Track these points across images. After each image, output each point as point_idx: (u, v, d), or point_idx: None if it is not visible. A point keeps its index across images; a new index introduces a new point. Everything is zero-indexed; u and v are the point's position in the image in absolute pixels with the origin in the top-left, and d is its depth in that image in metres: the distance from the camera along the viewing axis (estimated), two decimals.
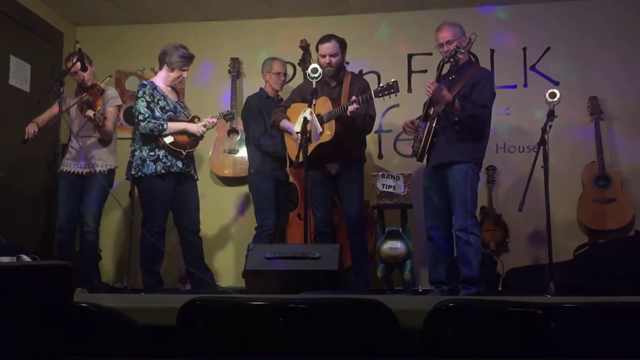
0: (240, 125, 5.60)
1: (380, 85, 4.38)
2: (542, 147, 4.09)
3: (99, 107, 4.67)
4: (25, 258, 3.99)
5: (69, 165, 4.76)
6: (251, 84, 5.67)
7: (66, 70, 4.64)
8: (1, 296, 1.45)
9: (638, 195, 5.32)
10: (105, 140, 4.82)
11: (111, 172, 4.83)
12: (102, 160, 4.77)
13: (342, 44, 4.65)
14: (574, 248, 5.00)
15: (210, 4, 5.85)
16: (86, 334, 1.80)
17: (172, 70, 4.67)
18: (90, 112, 4.56)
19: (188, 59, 4.72)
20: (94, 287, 4.92)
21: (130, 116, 5.36)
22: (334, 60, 4.57)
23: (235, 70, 5.94)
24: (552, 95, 4.19)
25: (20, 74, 5.48)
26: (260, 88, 5.30)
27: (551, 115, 4.16)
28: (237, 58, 5.98)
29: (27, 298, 1.52)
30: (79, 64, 4.57)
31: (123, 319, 1.82)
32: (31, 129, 4.70)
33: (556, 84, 5.53)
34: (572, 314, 1.63)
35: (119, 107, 4.93)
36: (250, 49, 5.97)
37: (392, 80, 4.32)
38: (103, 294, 4.78)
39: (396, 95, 4.38)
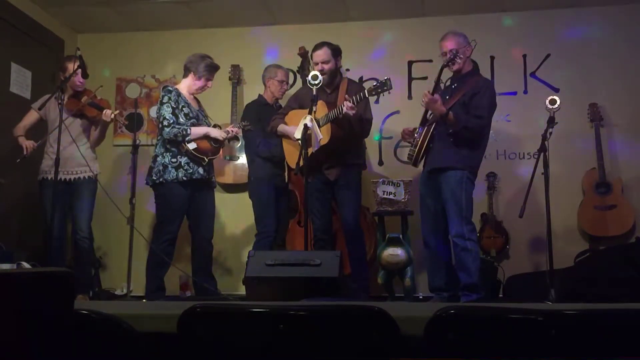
0: (240, 132, 5.60)
1: (374, 84, 4.36)
2: (542, 154, 4.09)
3: (110, 109, 4.75)
4: (26, 265, 3.99)
5: (53, 172, 4.53)
6: (251, 91, 5.68)
7: (68, 77, 4.64)
8: (2, 303, 1.45)
9: (639, 201, 5.32)
10: (96, 144, 4.90)
11: (96, 177, 4.83)
12: (92, 165, 4.77)
13: (335, 51, 4.63)
14: (575, 255, 4.99)
15: (211, 11, 5.86)
16: (87, 341, 1.80)
17: (199, 79, 4.70)
18: (110, 113, 4.66)
19: (214, 68, 4.77)
20: (95, 295, 4.91)
21: (131, 122, 5.36)
22: (326, 67, 4.56)
23: (236, 77, 5.95)
24: (553, 102, 4.19)
25: (21, 81, 5.49)
26: (259, 95, 5.30)
27: (551, 121, 4.16)
28: (238, 65, 6.00)
29: (28, 305, 1.52)
30: (79, 71, 4.58)
31: (123, 326, 1.82)
32: (30, 144, 4.66)
33: (556, 90, 5.54)
34: (572, 321, 1.63)
35: None
36: (251, 56, 5.99)
37: (385, 77, 4.30)
38: (104, 301, 4.78)
39: (389, 93, 4.35)
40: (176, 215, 4.61)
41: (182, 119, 4.57)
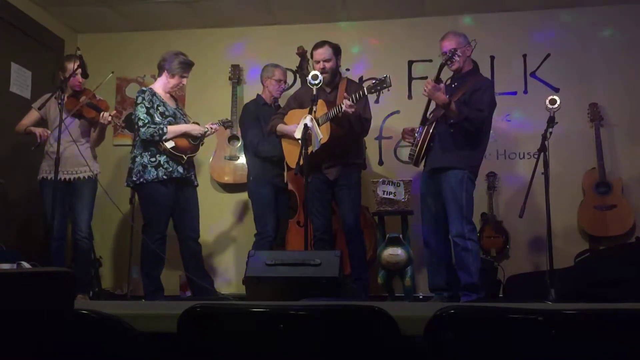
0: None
1: (373, 81, 4.36)
2: (542, 154, 4.09)
3: (109, 110, 4.73)
4: (26, 265, 3.99)
5: (53, 172, 4.50)
6: (252, 91, 5.68)
7: (68, 77, 4.63)
8: (2, 303, 1.45)
9: (638, 201, 5.32)
10: (96, 145, 4.90)
11: (96, 177, 4.82)
12: (92, 165, 4.77)
13: (336, 50, 4.63)
14: (575, 254, 4.99)
15: (211, 11, 5.86)
16: (87, 341, 1.80)
17: (173, 76, 4.67)
18: (107, 116, 4.64)
19: (188, 65, 4.73)
20: (95, 294, 4.91)
21: (130, 123, 5.36)
22: (327, 65, 4.56)
23: (236, 77, 5.95)
24: (553, 101, 4.19)
25: (21, 81, 5.49)
26: (258, 94, 5.30)
27: (551, 121, 4.16)
28: (238, 65, 6.00)
29: (28, 305, 1.52)
30: (79, 71, 4.58)
31: (123, 326, 1.82)
32: (42, 130, 4.68)
33: (556, 90, 5.54)
34: (572, 321, 1.63)
35: None
36: (251, 56, 5.99)
37: (384, 75, 4.29)
38: (103, 301, 4.77)
39: (388, 90, 4.35)
40: (162, 214, 4.58)
41: (157, 118, 4.54)
